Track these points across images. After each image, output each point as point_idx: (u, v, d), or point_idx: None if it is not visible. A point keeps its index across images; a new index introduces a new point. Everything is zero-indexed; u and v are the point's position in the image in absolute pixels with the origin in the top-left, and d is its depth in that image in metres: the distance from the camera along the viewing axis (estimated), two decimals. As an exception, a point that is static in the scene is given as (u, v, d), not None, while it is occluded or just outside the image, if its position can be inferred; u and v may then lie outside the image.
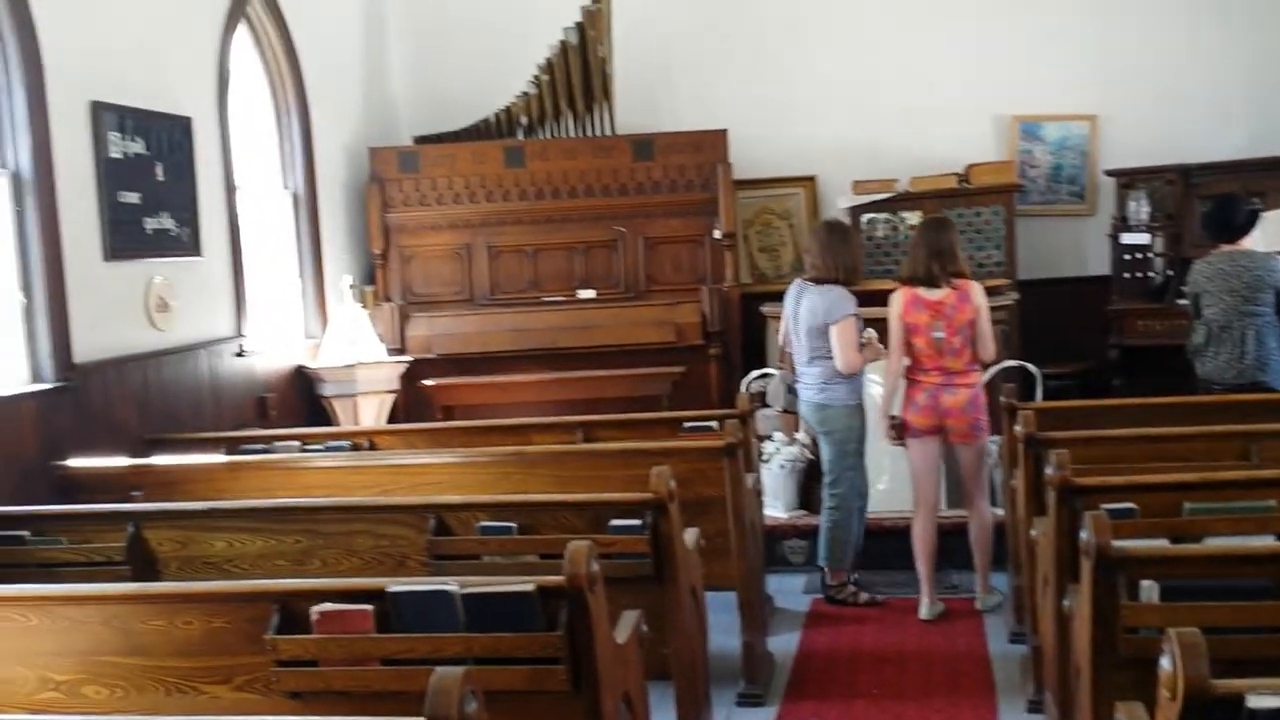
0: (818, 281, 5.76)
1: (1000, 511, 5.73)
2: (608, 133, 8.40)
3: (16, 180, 5.14)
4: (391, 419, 7.57)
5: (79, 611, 3.03)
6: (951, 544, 5.87)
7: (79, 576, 3.77)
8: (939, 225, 5.78)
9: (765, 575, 5.59)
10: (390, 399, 7.55)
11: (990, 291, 6.93)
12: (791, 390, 5.97)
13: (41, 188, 5.17)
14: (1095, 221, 8.64)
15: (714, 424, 5.44)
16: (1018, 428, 4.68)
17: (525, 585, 2.85)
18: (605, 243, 8.32)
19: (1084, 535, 3.05)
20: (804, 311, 5.77)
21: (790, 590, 6.11)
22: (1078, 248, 8.74)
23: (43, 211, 5.18)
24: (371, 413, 7.39)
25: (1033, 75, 8.66)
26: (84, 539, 3.97)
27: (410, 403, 7.82)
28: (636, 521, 3.79)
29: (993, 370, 5.90)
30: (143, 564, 3.93)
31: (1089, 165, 8.69)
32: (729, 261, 8.21)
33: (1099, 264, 8.48)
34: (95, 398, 5.46)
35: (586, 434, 5.52)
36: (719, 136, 8.26)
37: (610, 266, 8.34)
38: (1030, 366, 6.45)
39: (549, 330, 8.09)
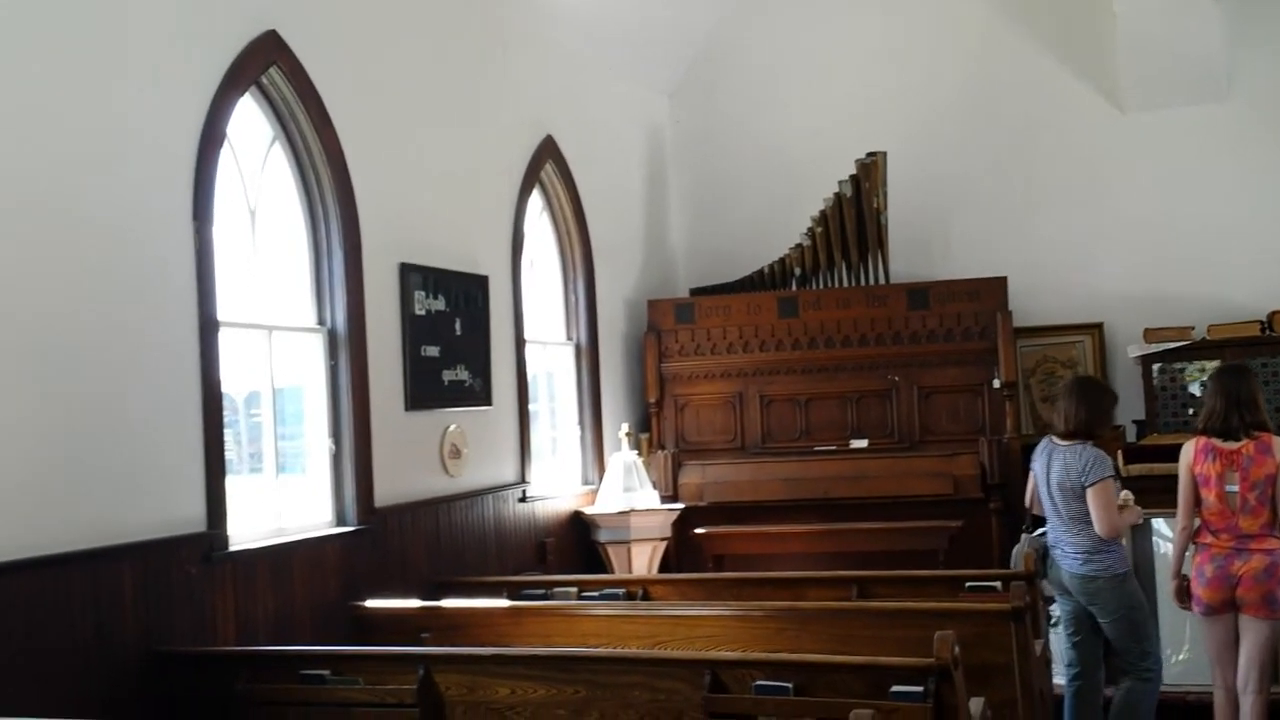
0: (1068, 437, 5.46)
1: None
2: (882, 281, 8.39)
3: (332, 336, 5.60)
4: (663, 566, 7.64)
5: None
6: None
7: (371, 717, 3.95)
8: (1237, 372, 5.36)
9: (1056, 750, 5.25)
10: (662, 546, 7.64)
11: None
12: (1041, 554, 5.60)
13: (354, 343, 5.61)
14: None
15: (997, 584, 5.21)
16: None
17: (806, 755, 2.78)
18: (879, 392, 8.23)
19: None
20: (1056, 472, 5.39)
21: (1082, 767, 5.69)
22: (1403, 399, 7.99)
23: (354, 365, 5.61)
24: (644, 559, 7.49)
25: (1343, 216, 8.13)
26: (378, 680, 4.15)
27: (681, 550, 7.88)
28: (918, 688, 3.64)
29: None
30: (432, 707, 4.06)
31: None
32: (1009, 411, 7.95)
33: None
34: (391, 541, 5.78)
35: (862, 590, 5.40)
36: (998, 284, 8.10)
37: (884, 416, 8.23)
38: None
39: (821, 480, 8.02)
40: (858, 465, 8.04)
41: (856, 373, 8.27)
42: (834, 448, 8.19)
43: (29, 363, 4.03)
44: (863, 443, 8.17)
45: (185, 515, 4.61)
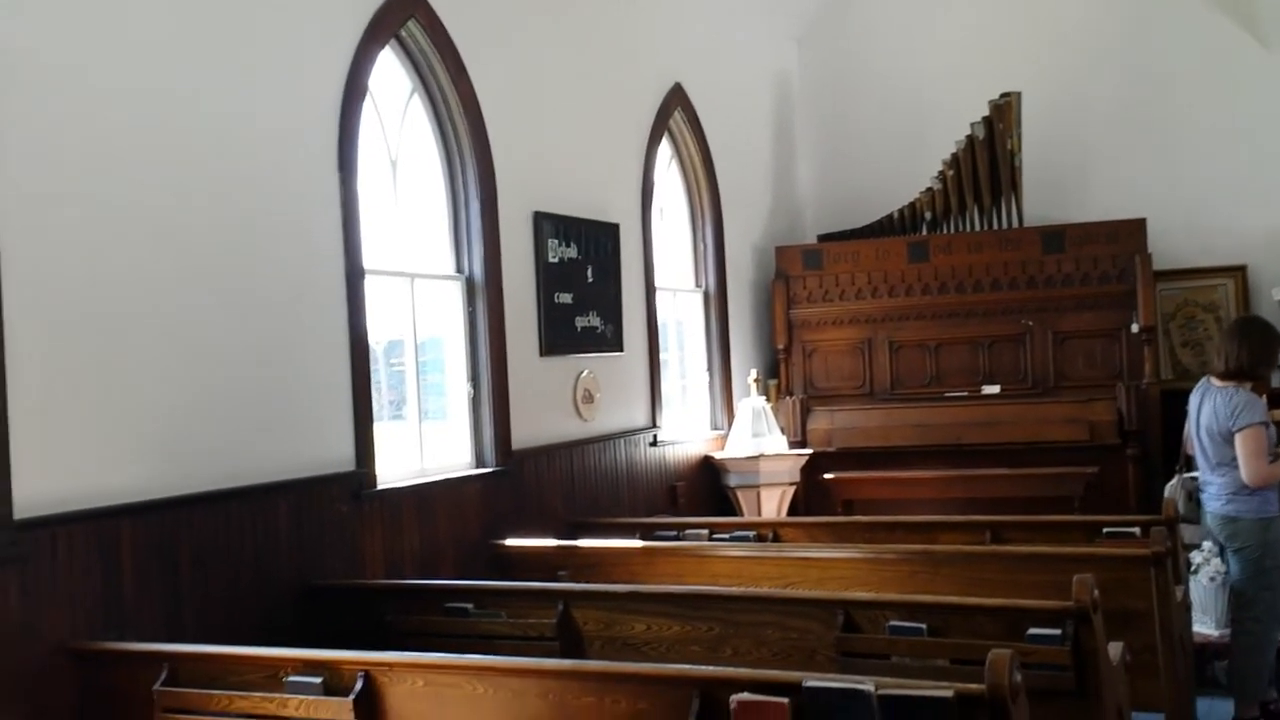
0: (1226, 378, 5.31)
1: None
2: (1015, 225, 8.23)
3: (470, 283, 5.75)
4: (792, 510, 7.69)
5: (520, 683, 3.28)
6: None
7: (513, 650, 4.09)
8: None
9: (1195, 698, 5.16)
10: (791, 490, 7.69)
11: None
12: (1193, 497, 5.49)
13: (491, 290, 5.75)
14: None
15: (1135, 530, 5.13)
16: None
17: (943, 691, 2.80)
18: (1011, 337, 8.11)
19: None
20: (1206, 415, 5.29)
21: (1221, 715, 5.59)
22: None
23: (491, 311, 5.75)
24: (773, 504, 7.55)
25: None
26: (520, 614, 4.30)
27: (810, 495, 7.92)
28: (1056, 631, 3.63)
29: None
30: (570, 641, 4.20)
31: None
32: (1148, 356, 7.76)
33: None
34: (528, 482, 5.94)
35: (995, 535, 5.36)
36: (1137, 225, 7.88)
37: (1017, 361, 8.11)
38: None
39: (952, 426, 7.95)
40: (990, 411, 7.95)
41: (988, 318, 8.15)
42: (965, 393, 8.11)
43: (195, 314, 4.23)
44: (995, 388, 8.07)
45: (335, 456, 4.81)
